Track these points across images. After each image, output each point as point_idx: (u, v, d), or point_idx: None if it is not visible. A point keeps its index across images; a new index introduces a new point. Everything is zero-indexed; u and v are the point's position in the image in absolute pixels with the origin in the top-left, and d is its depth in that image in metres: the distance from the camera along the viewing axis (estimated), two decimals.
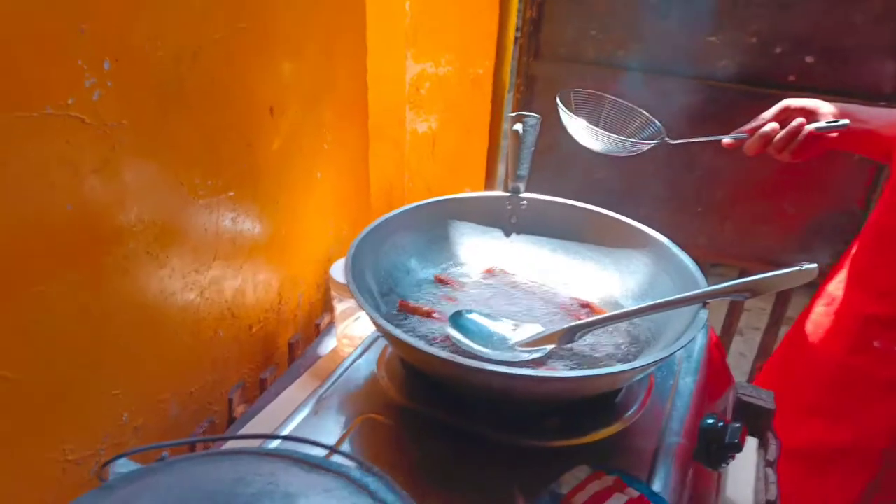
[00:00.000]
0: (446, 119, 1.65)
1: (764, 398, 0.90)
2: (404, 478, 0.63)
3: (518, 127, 0.89)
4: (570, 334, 0.72)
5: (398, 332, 0.63)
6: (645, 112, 1.11)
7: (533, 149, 0.91)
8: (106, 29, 0.59)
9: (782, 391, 1.15)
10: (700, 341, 0.85)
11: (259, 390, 0.93)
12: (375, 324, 0.65)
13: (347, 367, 0.79)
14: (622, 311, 0.72)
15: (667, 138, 1.10)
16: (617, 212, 0.87)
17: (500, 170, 1.68)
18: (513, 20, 1.49)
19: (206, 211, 0.77)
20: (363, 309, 0.67)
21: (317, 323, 1.04)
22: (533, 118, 0.90)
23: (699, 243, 1.66)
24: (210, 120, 0.74)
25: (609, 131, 1.07)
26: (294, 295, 0.99)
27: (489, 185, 1.60)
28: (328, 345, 1.00)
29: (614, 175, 1.61)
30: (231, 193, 0.80)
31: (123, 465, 0.45)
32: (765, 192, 1.52)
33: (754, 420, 0.89)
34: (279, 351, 0.98)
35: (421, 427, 0.71)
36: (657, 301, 0.70)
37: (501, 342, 0.74)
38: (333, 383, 0.76)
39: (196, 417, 0.85)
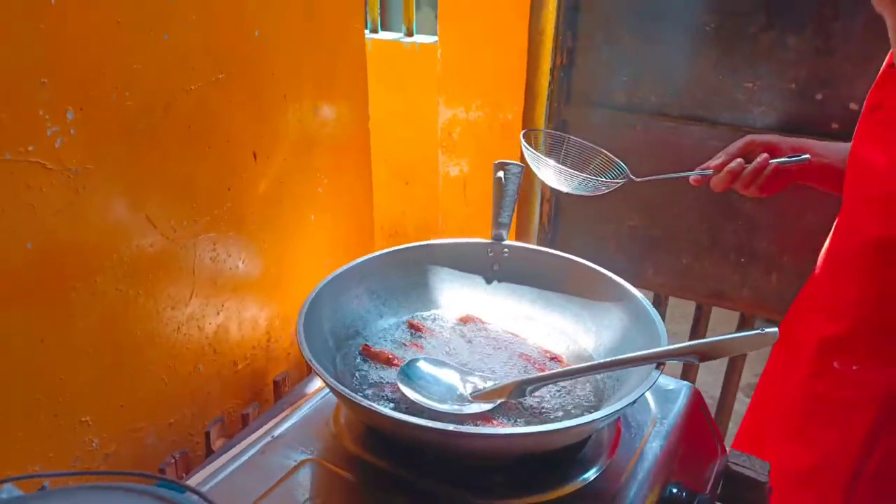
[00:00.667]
0: (477, 163, 1.67)
1: (757, 469, 0.83)
2: None
3: (500, 174, 0.89)
4: (521, 389, 0.70)
5: (331, 379, 0.64)
6: (606, 151, 1.09)
7: (516, 196, 0.90)
8: (69, 81, 0.64)
9: (760, 422, 1.12)
10: (679, 404, 0.80)
11: (241, 425, 0.95)
12: (313, 369, 0.66)
13: (307, 410, 0.79)
14: (571, 368, 0.70)
15: (631, 176, 1.07)
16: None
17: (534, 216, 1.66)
18: (545, 66, 1.49)
19: (182, 251, 0.80)
20: (304, 355, 0.68)
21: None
22: (516, 166, 0.90)
23: (743, 295, 1.57)
24: (185, 165, 0.78)
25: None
26: (285, 333, 1.01)
27: (520, 230, 1.59)
28: (317, 383, 1.01)
29: (651, 223, 1.55)
30: (211, 235, 0.84)
31: (7, 492, 0.47)
32: (813, 244, 1.43)
33: (743, 492, 0.82)
34: (267, 387, 1.00)
35: (369, 476, 0.70)
36: (607, 360, 0.67)
37: (450, 394, 0.73)
38: (289, 425, 0.77)
39: (172, 448, 0.88)
